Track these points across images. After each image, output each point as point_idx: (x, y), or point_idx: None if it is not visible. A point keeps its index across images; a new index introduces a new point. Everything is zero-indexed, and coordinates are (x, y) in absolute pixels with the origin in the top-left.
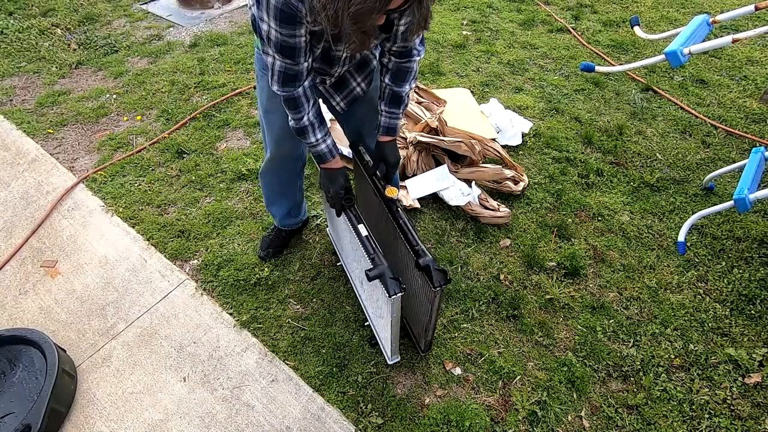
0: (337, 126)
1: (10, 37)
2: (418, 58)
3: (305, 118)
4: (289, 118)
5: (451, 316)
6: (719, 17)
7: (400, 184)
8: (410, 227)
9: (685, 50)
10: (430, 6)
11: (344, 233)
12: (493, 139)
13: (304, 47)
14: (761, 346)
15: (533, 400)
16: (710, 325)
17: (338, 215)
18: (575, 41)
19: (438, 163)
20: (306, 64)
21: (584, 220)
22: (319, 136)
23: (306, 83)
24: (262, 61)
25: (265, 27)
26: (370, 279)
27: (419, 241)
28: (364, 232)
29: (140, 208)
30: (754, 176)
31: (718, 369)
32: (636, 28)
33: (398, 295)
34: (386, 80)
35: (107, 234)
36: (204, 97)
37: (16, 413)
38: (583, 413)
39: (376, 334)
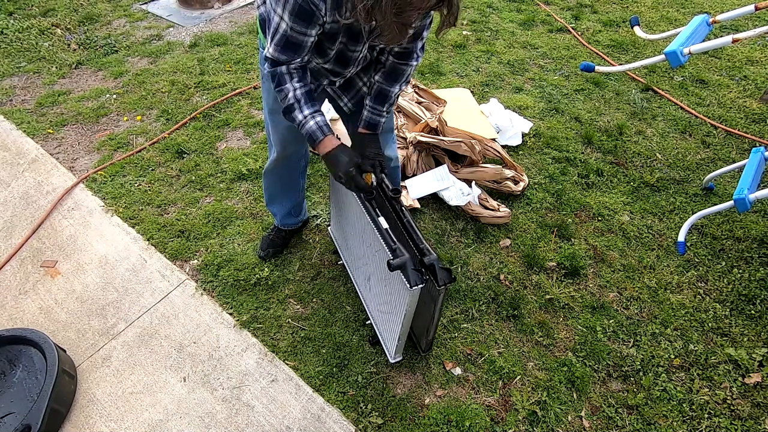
0: (341, 126)
1: (10, 37)
2: (416, 62)
3: (290, 95)
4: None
5: (451, 316)
6: (719, 17)
7: (401, 184)
8: (414, 226)
9: (685, 50)
10: (460, 4)
11: (353, 228)
12: (493, 139)
13: (308, 47)
14: (761, 346)
15: (533, 400)
16: (710, 325)
17: (364, 194)
18: (575, 41)
19: (438, 163)
20: (300, 61)
21: (584, 220)
22: (306, 112)
23: (293, 66)
24: None
25: (276, 19)
26: (392, 269)
27: (423, 240)
28: (384, 224)
29: (140, 208)
30: (754, 176)
31: (718, 369)
32: (636, 28)
33: (419, 286)
34: (377, 77)
35: (107, 234)
36: (204, 97)
37: (16, 413)
38: (583, 413)
39: (378, 333)
